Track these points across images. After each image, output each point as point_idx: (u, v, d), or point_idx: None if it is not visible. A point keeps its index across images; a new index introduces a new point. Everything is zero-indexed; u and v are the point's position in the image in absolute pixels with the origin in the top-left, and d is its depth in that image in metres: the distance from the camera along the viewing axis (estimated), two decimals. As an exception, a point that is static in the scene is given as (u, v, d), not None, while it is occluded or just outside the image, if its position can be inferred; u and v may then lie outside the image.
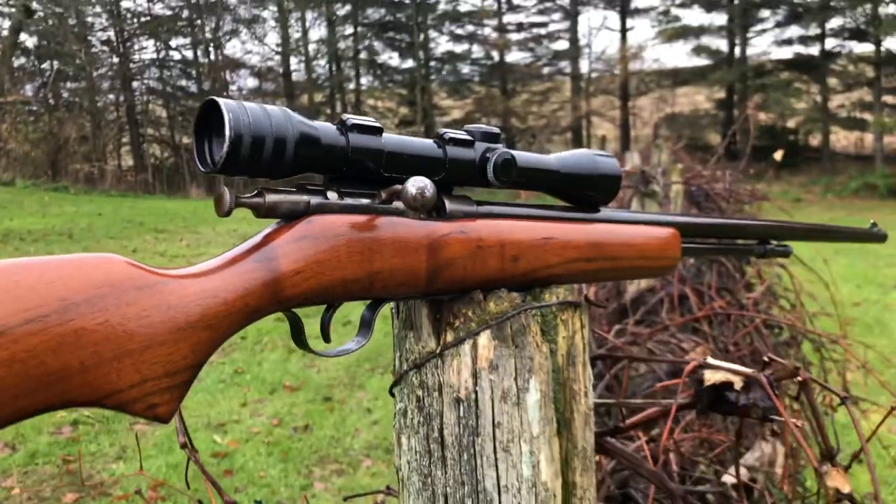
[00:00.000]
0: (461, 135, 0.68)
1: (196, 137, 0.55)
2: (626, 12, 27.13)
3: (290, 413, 5.39)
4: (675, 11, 26.55)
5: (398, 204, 0.63)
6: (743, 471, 1.87)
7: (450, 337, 0.67)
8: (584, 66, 27.91)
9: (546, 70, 28.35)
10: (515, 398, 0.66)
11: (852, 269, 9.34)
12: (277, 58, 27.78)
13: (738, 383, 0.72)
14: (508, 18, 28.04)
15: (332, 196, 0.60)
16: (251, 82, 28.63)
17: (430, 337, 0.69)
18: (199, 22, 27.10)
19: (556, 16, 27.74)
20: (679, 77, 26.80)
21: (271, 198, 0.57)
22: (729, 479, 2.02)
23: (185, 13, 27.41)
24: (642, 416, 0.77)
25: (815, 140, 23.75)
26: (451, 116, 27.91)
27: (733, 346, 2.69)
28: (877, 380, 2.37)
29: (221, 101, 0.54)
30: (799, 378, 0.69)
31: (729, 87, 25.00)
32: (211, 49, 27.35)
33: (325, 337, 0.65)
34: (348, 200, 0.60)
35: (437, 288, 0.65)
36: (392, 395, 0.73)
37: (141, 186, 22.98)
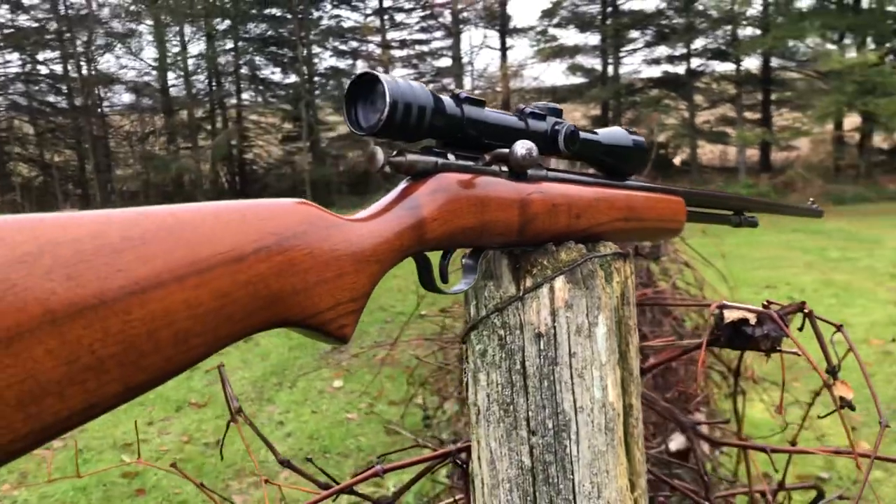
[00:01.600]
0: (537, 110, 0.79)
1: (347, 104, 0.64)
2: (505, 32, 27.95)
3: (200, 430, 5.29)
4: (551, 31, 27.57)
5: (494, 167, 0.74)
6: (681, 440, 2.06)
7: (529, 283, 0.78)
8: (467, 83, 28.51)
9: (430, 86, 28.63)
10: (587, 331, 0.78)
11: (729, 270, 9.97)
12: (155, 73, 26.91)
13: (752, 319, 0.86)
14: (392, 35, 28.30)
15: (451, 157, 0.70)
16: (126, 97, 27.61)
17: (511, 284, 0.79)
18: (68, 35, 25.88)
19: (439, 33, 28.24)
20: (557, 94, 27.77)
21: (411, 157, 0.67)
22: (674, 445, 2.22)
23: (53, 25, 26.13)
24: (666, 356, 0.91)
25: (683, 153, 25.15)
26: (337, 132, 27.85)
27: (651, 333, 2.91)
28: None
29: (378, 73, 0.63)
30: (805, 310, 0.84)
31: (604, 104, 26.17)
32: (83, 63, 26.18)
33: (444, 278, 0.74)
34: (462, 162, 0.71)
35: (524, 238, 0.76)
36: (463, 342, 0.83)
37: (8, 207, 21.68)
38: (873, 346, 6.27)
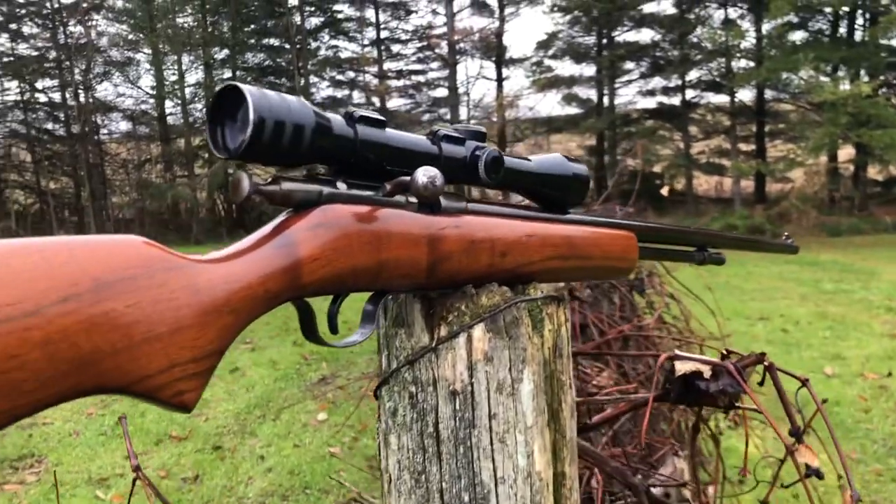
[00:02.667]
0: (453, 132, 0.70)
1: (210, 124, 0.54)
2: (501, 62, 28.08)
3: (178, 464, 5.16)
4: (547, 62, 27.71)
5: (399, 198, 0.64)
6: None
7: (443, 331, 0.68)
8: (463, 112, 28.61)
9: (426, 116, 28.85)
10: (510, 388, 0.68)
11: (721, 303, 9.85)
12: (152, 101, 26.95)
13: (707, 372, 0.76)
14: (389, 65, 28.44)
15: (342, 186, 0.60)
16: (124, 125, 27.63)
17: (424, 332, 0.69)
18: (67, 63, 25.96)
19: (435, 64, 28.38)
20: (553, 125, 27.87)
21: (287, 186, 0.57)
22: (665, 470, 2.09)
23: (53, 54, 26.21)
24: (613, 412, 0.80)
25: (678, 184, 25.16)
26: (332, 161, 27.81)
27: (632, 370, 2.80)
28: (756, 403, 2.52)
29: (242, 85, 0.53)
30: (765, 362, 0.73)
31: (599, 134, 26.22)
32: (81, 91, 26.22)
33: (333, 328, 0.64)
34: (356, 191, 0.61)
35: (435, 280, 0.66)
36: (376, 396, 0.73)
37: (4, 234, 21.59)
38: (869, 381, 6.15)
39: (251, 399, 6.48)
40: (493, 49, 27.91)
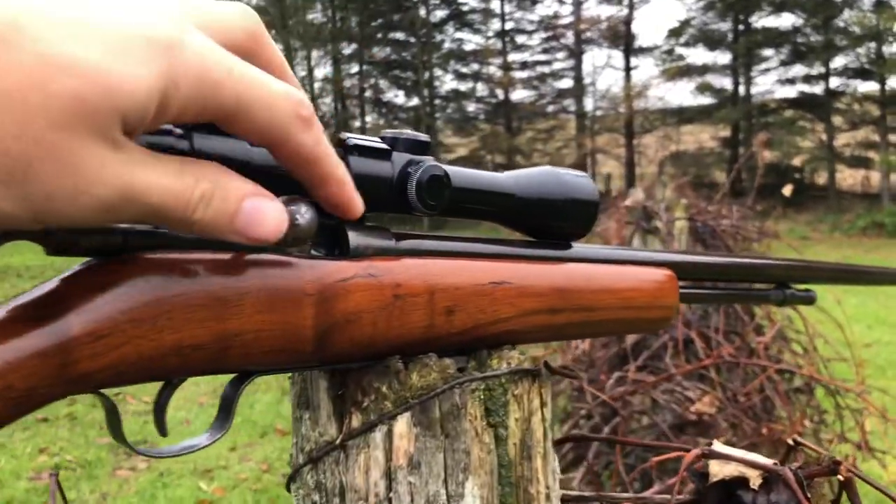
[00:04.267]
0: (372, 142, 0.50)
1: None
2: (629, 51, 27.23)
3: (281, 458, 5.19)
4: (679, 50, 26.65)
5: None
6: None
7: (356, 422, 0.48)
8: (588, 104, 27.99)
9: (551, 108, 28.42)
10: (445, 508, 0.47)
11: (863, 308, 9.11)
12: (283, 96, 27.84)
13: (755, 480, 0.53)
14: (513, 57, 28.16)
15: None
16: (256, 120, 28.72)
17: (331, 421, 0.50)
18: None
19: (561, 55, 27.87)
20: (684, 115, 26.80)
21: None
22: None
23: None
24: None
25: (820, 178, 23.62)
26: (456, 153, 27.94)
27: (744, 395, 2.48)
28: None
29: None
30: (840, 476, 0.50)
31: (734, 125, 24.96)
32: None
33: (161, 428, 0.46)
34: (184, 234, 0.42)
35: (331, 354, 0.46)
36: (288, 489, 0.55)
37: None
38: None
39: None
40: (622, 38, 27.11)
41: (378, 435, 0.48)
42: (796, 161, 23.82)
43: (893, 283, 1.03)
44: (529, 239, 0.62)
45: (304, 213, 0.42)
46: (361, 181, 0.48)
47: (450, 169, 0.52)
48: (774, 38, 24.14)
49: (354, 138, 0.49)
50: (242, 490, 4.62)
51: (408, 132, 0.51)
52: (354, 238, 0.49)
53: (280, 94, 0.40)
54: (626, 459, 2.17)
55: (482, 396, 0.51)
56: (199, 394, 6.37)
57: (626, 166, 26.47)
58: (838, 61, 22.79)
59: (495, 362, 0.53)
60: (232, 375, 0.47)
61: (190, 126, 0.42)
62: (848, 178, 24.25)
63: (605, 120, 27.77)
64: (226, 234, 0.40)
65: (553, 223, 0.60)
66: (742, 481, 0.54)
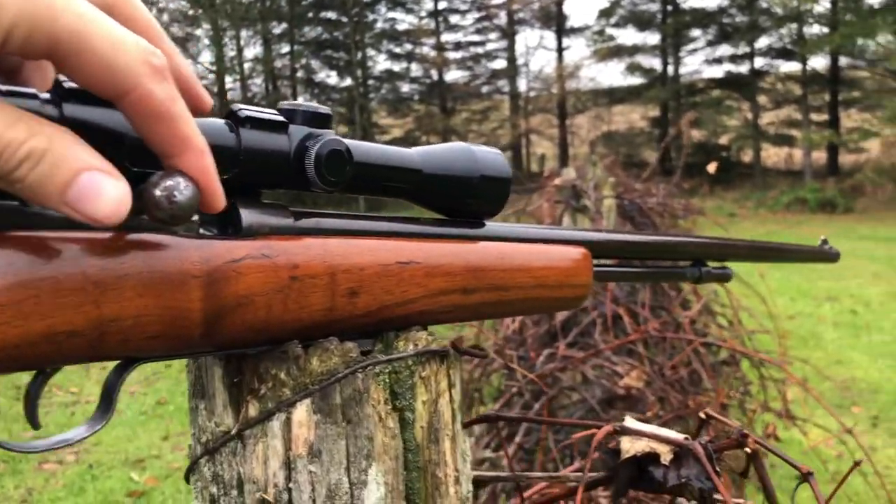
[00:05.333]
0: (268, 114, 0.47)
1: None
2: (561, 32, 27.44)
3: (214, 446, 5.09)
4: (609, 31, 26.97)
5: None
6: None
7: (253, 410, 0.46)
8: (522, 84, 28.13)
9: (485, 89, 28.47)
10: (348, 497, 0.46)
11: (787, 282, 9.43)
12: (212, 76, 27.20)
13: (665, 455, 0.52)
14: (446, 37, 28.07)
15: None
16: (185, 101, 27.96)
17: (227, 410, 0.47)
18: (130, 40, 26.37)
19: (494, 35, 27.90)
20: (615, 95, 27.18)
21: None
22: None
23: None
24: (548, 498, 0.58)
25: (746, 156, 24.28)
26: (391, 135, 27.78)
27: (670, 369, 2.53)
28: (813, 397, 2.24)
29: None
30: (748, 448, 0.50)
31: (663, 105, 25.43)
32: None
33: (32, 420, 0.43)
34: (49, 212, 0.39)
35: (223, 339, 0.44)
36: (188, 481, 0.52)
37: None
38: (943, 373, 5.70)
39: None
40: (553, 18, 27.28)
41: (276, 424, 0.46)
42: (723, 139, 24.42)
43: (807, 260, 1.05)
44: (441, 217, 0.60)
45: (184, 190, 0.39)
46: (255, 156, 0.46)
47: (352, 143, 0.50)
48: (702, 18, 24.63)
49: (247, 109, 0.46)
50: (175, 479, 4.53)
51: (307, 104, 0.49)
52: (248, 216, 0.46)
53: (127, 36, 0.36)
54: (558, 436, 2.19)
55: (387, 380, 0.49)
56: (130, 382, 6.21)
57: (559, 147, 26.75)
58: (762, 42, 23.44)
59: (402, 344, 0.51)
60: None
61: (62, 92, 0.38)
62: (773, 155, 25.01)
63: (538, 101, 27.96)
64: (56, 204, 0.36)
65: (464, 201, 0.58)
66: (653, 457, 0.53)
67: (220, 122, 0.46)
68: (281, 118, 0.47)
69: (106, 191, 0.36)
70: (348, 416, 0.46)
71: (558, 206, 3.14)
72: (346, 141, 0.49)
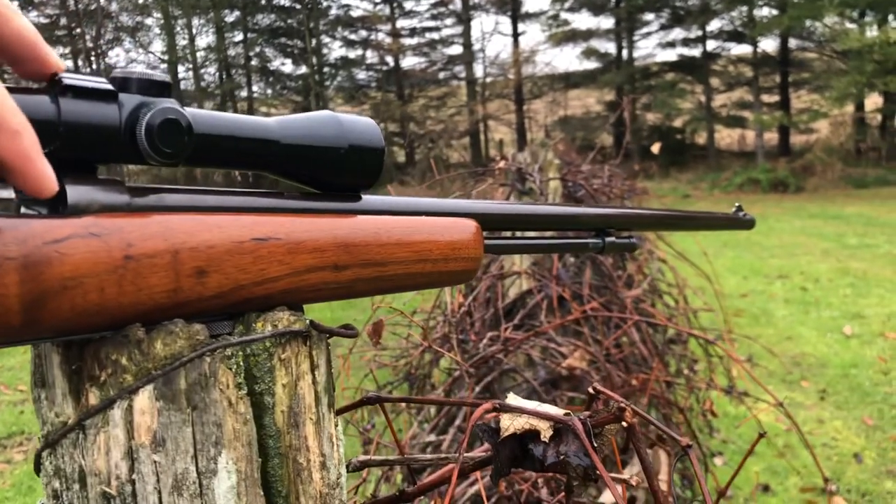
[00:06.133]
0: (93, 82, 0.44)
1: None
2: (517, 17, 27.43)
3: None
4: (564, 15, 27.07)
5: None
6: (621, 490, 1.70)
7: (93, 399, 0.43)
8: (478, 70, 28.09)
9: (442, 75, 28.37)
10: (196, 487, 0.43)
11: (739, 260, 9.60)
12: (164, 66, 26.70)
13: (545, 432, 0.51)
14: (402, 23, 27.88)
15: None
16: (136, 92, 27.38)
17: (66, 399, 0.44)
18: (78, 30, 25.79)
19: (449, 21, 27.80)
20: (570, 80, 27.32)
21: None
22: (607, 499, 1.85)
23: (63, 21, 26.04)
24: (428, 481, 0.56)
25: (700, 138, 24.59)
26: (347, 123, 27.53)
27: (615, 347, 2.54)
28: (753, 378, 2.26)
29: None
30: (624, 422, 0.48)
31: (618, 88, 25.60)
32: (93, 58, 26.06)
33: None
34: None
35: (50, 327, 0.41)
36: (38, 472, 0.49)
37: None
38: (889, 341, 5.84)
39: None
40: (508, 3, 27.24)
41: (117, 412, 0.43)
42: (677, 122, 24.69)
43: (721, 227, 1.05)
44: (310, 191, 0.57)
45: None
46: (78, 129, 0.43)
47: (194, 112, 0.47)
48: (654, 2, 24.80)
49: (70, 78, 0.43)
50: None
51: (141, 70, 0.46)
52: (74, 193, 0.43)
53: None
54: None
55: (241, 363, 0.46)
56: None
57: (517, 132, 26.80)
58: (714, 24, 23.69)
59: (260, 325, 0.48)
60: None
61: None
62: (726, 137, 25.37)
63: (495, 86, 27.97)
64: None
65: (331, 173, 0.55)
66: (534, 434, 0.52)
67: (41, 95, 0.42)
68: (108, 86, 0.44)
69: None
70: (193, 401, 0.43)
71: (503, 189, 3.13)
72: (189, 110, 0.46)
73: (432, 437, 2.06)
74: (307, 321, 0.50)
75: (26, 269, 0.39)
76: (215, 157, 0.50)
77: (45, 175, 0.39)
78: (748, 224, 1.07)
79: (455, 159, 24.50)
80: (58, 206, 0.43)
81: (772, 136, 22.74)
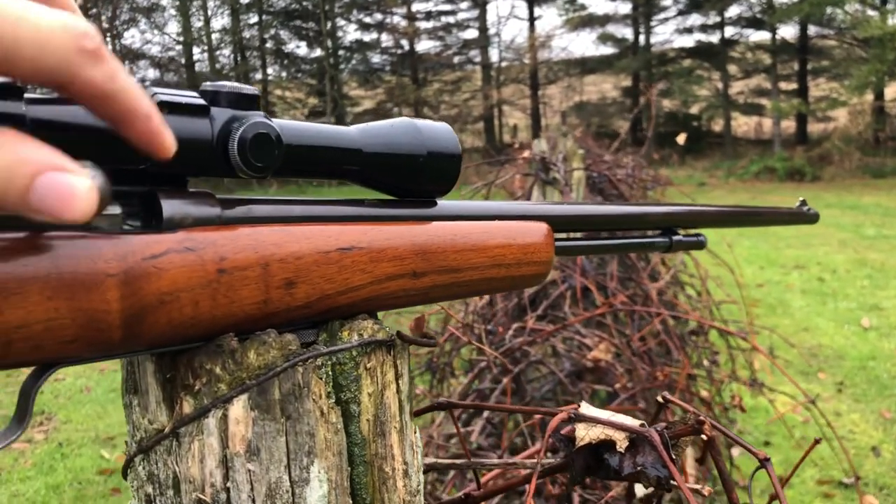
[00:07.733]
0: (186, 97, 0.44)
1: None
2: (533, 1, 27.23)
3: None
4: (580, 0, 26.83)
5: None
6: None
7: (187, 407, 0.44)
8: (493, 54, 27.95)
9: (457, 59, 28.25)
10: (289, 496, 0.44)
11: (755, 251, 9.55)
12: (179, 48, 26.73)
13: (621, 442, 0.51)
14: (417, 7, 27.81)
15: None
16: (152, 73, 27.44)
17: (161, 407, 0.45)
18: (94, 11, 25.80)
19: (465, 4, 27.63)
20: (587, 66, 27.14)
21: None
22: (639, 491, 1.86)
23: (79, 1, 26.08)
24: (495, 488, 0.56)
25: (717, 126, 24.41)
26: (362, 106, 27.53)
27: (638, 341, 2.54)
28: (782, 372, 2.26)
29: None
30: (704, 436, 0.48)
31: (634, 74, 25.43)
32: (108, 39, 26.09)
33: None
34: None
35: (147, 340, 0.41)
36: (125, 477, 0.50)
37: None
38: (907, 336, 5.81)
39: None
40: (525, -13, 27.05)
41: (212, 421, 0.43)
42: (694, 109, 24.51)
43: (785, 222, 1.04)
44: (387, 198, 0.57)
45: (95, 181, 0.36)
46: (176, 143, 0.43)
47: (281, 124, 0.47)
48: (672, -14, 24.58)
49: (164, 93, 0.43)
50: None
51: (231, 84, 0.46)
52: (169, 207, 0.43)
53: (54, 27, 0.34)
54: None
55: (330, 372, 0.47)
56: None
57: (531, 117, 26.69)
58: (733, 10, 23.44)
59: (346, 334, 0.49)
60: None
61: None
62: (742, 125, 25.16)
63: (510, 71, 27.82)
64: (22, 210, 0.34)
65: (411, 180, 0.56)
66: (609, 444, 0.52)
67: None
68: (201, 101, 0.45)
69: (63, 188, 0.34)
70: (287, 411, 0.44)
71: (528, 179, 3.12)
72: (276, 122, 0.47)
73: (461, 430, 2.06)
74: (390, 330, 0.50)
75: (126, 285, 0.39)
76: (301, 168, 0.50)
77: (167, 131, 0.40)
78: (813, 218, 1.06)
79: (469, 144, 24.45)
80: (151, 221, 0.43)
81: (789, 125, 22.54)
